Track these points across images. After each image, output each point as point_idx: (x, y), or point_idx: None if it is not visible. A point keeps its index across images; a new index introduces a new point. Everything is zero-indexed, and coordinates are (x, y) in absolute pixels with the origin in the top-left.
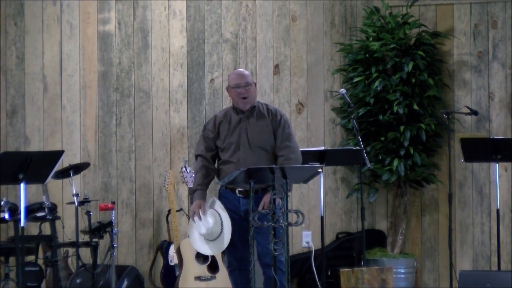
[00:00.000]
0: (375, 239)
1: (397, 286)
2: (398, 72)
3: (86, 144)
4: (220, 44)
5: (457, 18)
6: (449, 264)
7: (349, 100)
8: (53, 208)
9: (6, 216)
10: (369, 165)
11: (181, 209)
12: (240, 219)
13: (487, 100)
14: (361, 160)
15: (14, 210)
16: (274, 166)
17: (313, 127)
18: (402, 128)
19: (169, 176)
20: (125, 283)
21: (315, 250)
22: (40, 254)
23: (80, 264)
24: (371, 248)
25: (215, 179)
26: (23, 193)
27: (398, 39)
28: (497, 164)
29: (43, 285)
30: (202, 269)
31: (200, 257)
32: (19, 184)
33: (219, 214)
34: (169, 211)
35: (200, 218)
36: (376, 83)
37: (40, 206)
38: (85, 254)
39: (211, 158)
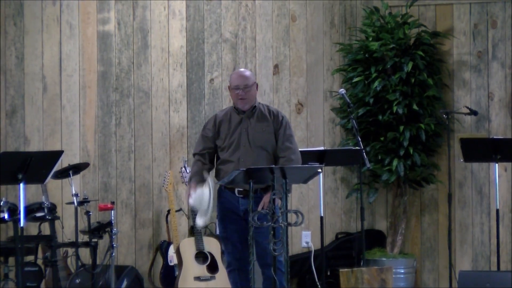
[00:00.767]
0: (375, 239)
1: (396, 286)
2: (397, 72)
3: (86, 144)
4: (220, 44)
5: (457, 18)
6: (448, 264)
7: (348, 100)
8: (52, 208)
9: (6, 216)
10: (368, 165)
11: (180, 209)
12: (239, 219)
13: (486, 100)
14: (360, 160)
15: (13, 210)
16: (273, 166)
17: (313, 127)
18: (401, 128)
19: (168, 176)
20: (125, 283)
21: (314, 250)
22: (40, 254)
23: (80, 264)
24: (370, 248)
25: (215, 179)
26: (23, 193)
27: (398, 39)
28: (497, 164)
29: (42, 285)
30: (202, 269)
31: (200, 257)
32: (19, 184)
33: (208, 184)
34: (169, 211)
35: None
36: (376, 83)
37: (39, 206)
38: (85, 254)
39: (208, 157)
